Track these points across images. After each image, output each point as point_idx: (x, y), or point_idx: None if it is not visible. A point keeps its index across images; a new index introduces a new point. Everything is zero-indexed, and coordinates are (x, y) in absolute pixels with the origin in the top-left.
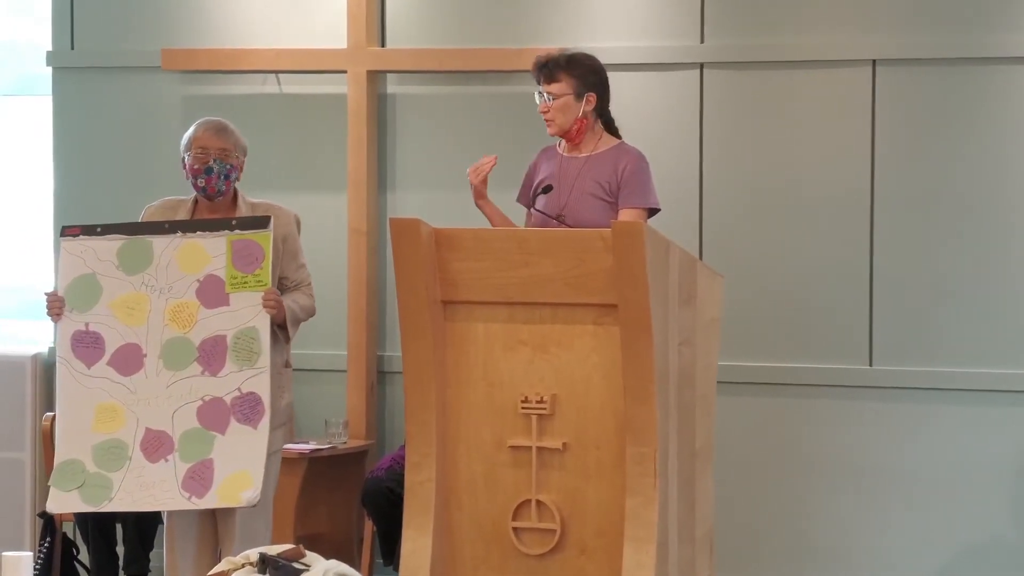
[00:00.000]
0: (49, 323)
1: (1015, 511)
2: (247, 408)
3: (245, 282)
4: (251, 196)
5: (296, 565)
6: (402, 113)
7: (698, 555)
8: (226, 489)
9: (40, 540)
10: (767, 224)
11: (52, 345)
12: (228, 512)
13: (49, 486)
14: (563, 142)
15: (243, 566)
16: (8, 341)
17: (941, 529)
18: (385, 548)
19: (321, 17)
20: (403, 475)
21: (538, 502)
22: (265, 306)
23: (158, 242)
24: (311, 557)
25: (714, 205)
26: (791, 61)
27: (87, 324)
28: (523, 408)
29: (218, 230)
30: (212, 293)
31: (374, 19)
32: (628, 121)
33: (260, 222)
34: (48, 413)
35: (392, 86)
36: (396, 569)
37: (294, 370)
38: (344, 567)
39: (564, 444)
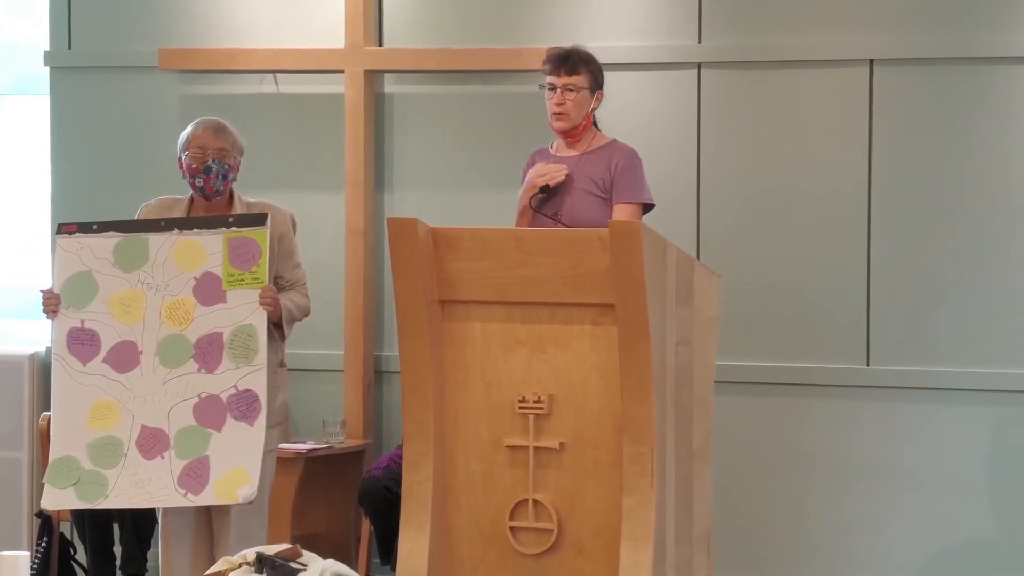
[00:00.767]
0: (47, 323)
1: (1013, 510)
2: (243, 405)
3: (242, 279)
4: (248, 196)
5: (293, 565)
6: (400, 113)
7: (695, 555)
8: (223, 486)
9: (37, 540)
10: (764, 224)
11: (49, 344)
12: (223, 511)
13: (43, 483)
14: (556, 143)
15: (240, 566)
16: (5, 341)
17: (939, 528)
18: (382, 548)
19: (318, 17)
20: (400, 475)
21: (535, 502)
22: (262, 303)
23: (154, 239)
24: (308, 557)
25: (711, 205)
26: (789, 61)
27: (83, 321)
28: (520, 408)
29: (215, 227)
30: (209, 290)
31: (371, 19)
32: (626, 121)
33: (257, 219)
34: (45, 412)
35: (390, 86)
36: (393, 569)
37: (291, 370)
38: (341, 567)
39: (561, 444)
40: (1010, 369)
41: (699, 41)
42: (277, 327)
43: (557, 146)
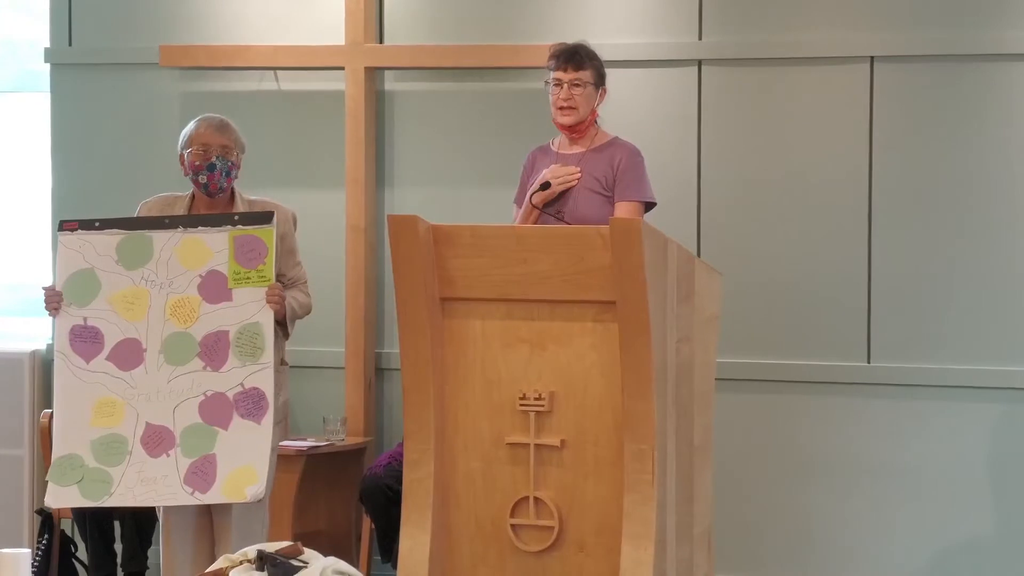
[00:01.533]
0: (47, 320)
1: (1014, 508)
2: (250, 403)
3: (248, 277)
4: (249, 193)
5: (294, 562)
6: (400, 110)
7: (696, 552)
8: (230, 484)
9: (38, 537)
10: (765, 221)
11: (50, 342)
12: (224, 509)
13: (46, 481)
14: (557, 139)
15: (241, 563)
16: (6, 338)
17: (940, 526)
18: (383, 545)
19: (319, 14)
20: (401, 472)
21: (536, 499)
22: (269, 301)
23: (158, 237)
24: (309, 554)
25: (712, 202)
26: (789, 58)
27: (85, 319)
28: (521, 405)
29: (220, 225)
30: (214, 288)
31: (372, 16)
32: (627, 117)
33: (263, 217)
34: (46, 410)
35: (390, 83)
36: (394, 566)
37: (292, 367)
38: (342, 564)
39: (562, 441)
40: (1011, 366)
41: (700, 38)
42: (281, 325)
43: (559, 143)
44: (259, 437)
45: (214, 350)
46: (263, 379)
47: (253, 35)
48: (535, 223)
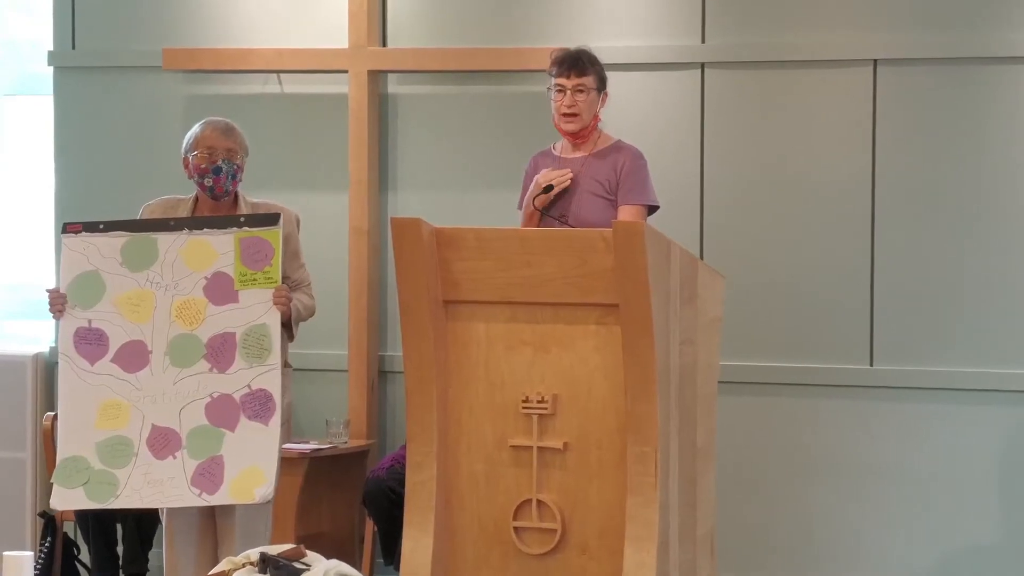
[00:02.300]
0: (50, 323)
1: (1018, 511)
2: (257, 405)
3: (255, 279)
4: (252, 195)
5: (297, 565)
6: (403, 113)
7: (699, 555)
8: (238, 486)
9: (41, 540)
10: (768, 224)
11: (54, 344)
12: (227, 511)
13: (52, 483)
14: (559, 144)
15: (244, 566)
16: (9, 340)
17: (942, 529)
18: (386, 548)
19: (322, 17)
20: (404, 475)
21: (539, 502)
22: (276, 303)
23: (163, 239)
24: (312, 557)
25: (715, 205)
26: (792, 61)
27: (90, 321)
28: (524, 408)
29: (226, 227)
30: (220, 290)
31: (375, 19)
32: (629, 120)
33: (270, 219)
34: (49, 412)
35: (393, 86)
36: (397, 569)
37: (295, 369)
38: (345, 567)
39: (565, 444)
40: (1014, 369)
41: (703, 41)
42: (286, 327)
43: (561, 148)
44: (266, 438)
45: (220, 352)
46: (270, 380)
47: (256, 38)
48: (537, 226)
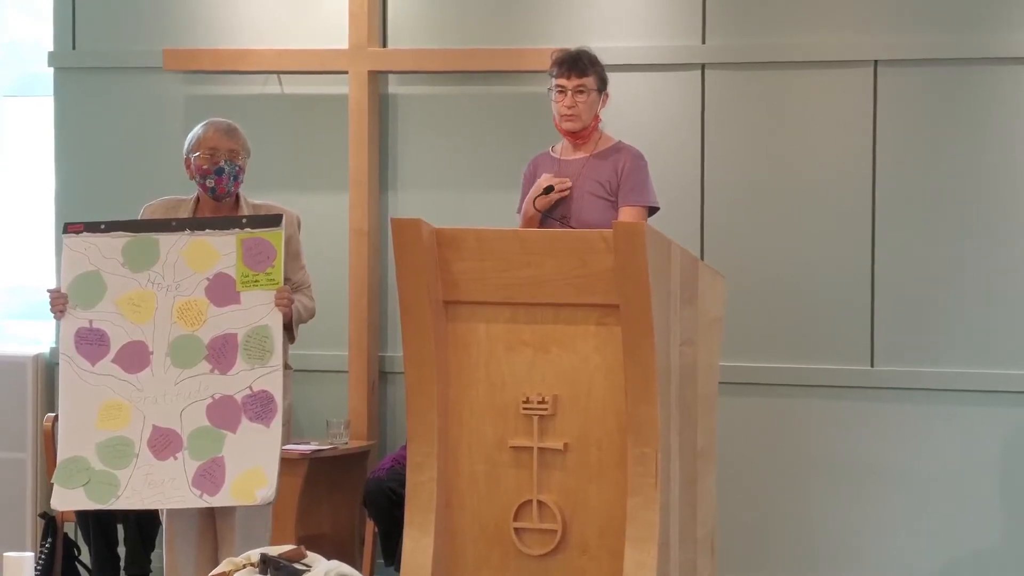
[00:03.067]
0: (51, 323)
1: (1018, 512)
2: (259, 406)
3: (257, 280)
4: (253, 196)
5: (297, 566)
6: (403, 113)
7: (700, 556)
8: (239, 487)
9: (41, 540)
10: (768, 224)
11: (54, 345)
12: (227, 512)
13: (52, 483)
14: (559, 145)
15: (244, 567)
16: (9, 341)
17: (943, 530)
18: (386, 548)
19: (323, 18)
20: (404, 475)
21: (539, 502)
22: (278, 304)
23: (164, 239)
24: (312, 558)
25: (715, 205)
26: (793, 62)
27: (91, 321)
28: (525, 408)
29: (228, 228)
30: (222, 291)
31: (376, 19)
32: (630, 121)
33: (272, 220)
34: (49, 413)
35: (394, 86)
36: (397, 569)
37: (295, 371)
38: (345, 568)
39: (565, 444)
40: (1014, 370)
41: (703, 42)
42: (287, 329)
43: (562, 149)
44: (268, 440)
45: (222, 353)
46: (272, 382)
47: (257, 39)
48: (538, 228)
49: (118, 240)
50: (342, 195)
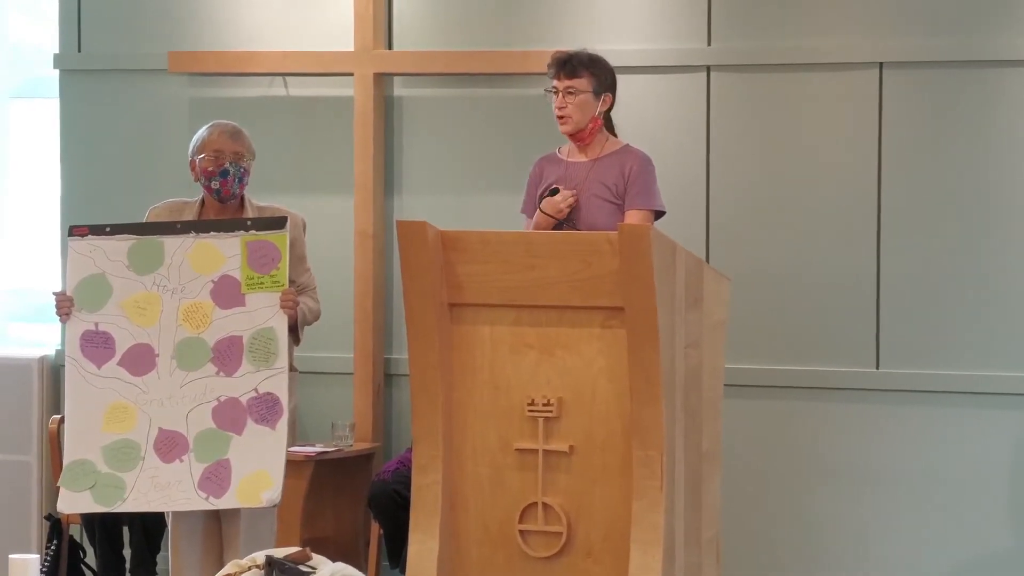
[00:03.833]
0: (56, 326)
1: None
2: (264, 409)
3: (261, 283)
4: (257, 199)
5: (302, 568)
6: (409, 116)
7: (705, 559)
8: (245, 489)
9: (47, 543)
10: (774, 227)
11: (59, 347)
12: (233, 514)
13: (59, 486)
14: (565, 147)
15: (250, 569)
16: (14, 344)
17: (950, 533)
18: (391, 551)
19: (328, 20)
20: (409, 478)
21: (544, 505)
22: (283, 306)
23: (170, 242)
24: (317, 560)
25: (721, 208)
26: (798, 64)
27: (97, 324)
28: (529, 411)
29: (232, 231)
30: (227, 294)
31: (381, 21)
32: (635, 124)
33: (276, 223)
34: (55, 416)
35: (399, 89)
36: (403, 571)
37: (300, 373)
38: (350, 570)
39: (571, 447)
40: (1020, 372)
41: (708, 44)
42: (292, 331)
43: (568, 151)
44: (273, 442)
45: (227, 355)
46: (277, 384)
47: (262, 41)
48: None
49: (123, 243)
50: (347, 197)
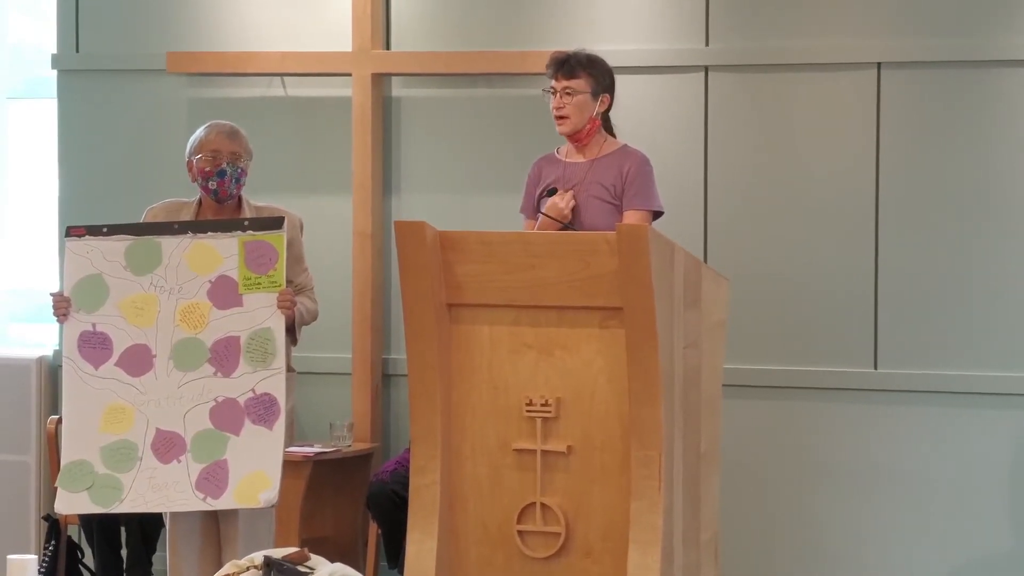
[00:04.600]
0: (54, 326)
1: (1022, 515)
2: (262, 409)
3: (259, 283)
4: (255, 199)
5: (301, 568)
6: (407, 116)
7: (703, 559)
8: (243, 490)
9: (45, 543)
10: (772, 227)
11: (58, 348)
12: (231, 515)
13: (56, 487)
14: (564, 148)
15: (248, 569)
16: (13, 344)
17: (948, 533)
18: (390, 551)
19: (326, 20)
20: (408, 478)
21: (543, 505)
22: (281, 307)
23: (167, 243)
24: (316, 560)
25: (719, 208)
26: (796, 64)
27: (94, 324)
28: (528, 411)
29: (230, 231)
30: (224, 294)
31: (379, 22)
32: (633, 124)
33: (273, 223)
34: (53, 416)
35: (397, 89)
36: (401, 572)
37: (298, 373)
38: (349, 570)
39: (569, 447)
40: (1019, 372)
41: (706, 44)
42: (289, 331)
43: (566, 152)
44: (271, 442)
45: (225, 356)
46: (274, 384)
47: (260, 41)
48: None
49: (120, 243)
50: (345, 198)
